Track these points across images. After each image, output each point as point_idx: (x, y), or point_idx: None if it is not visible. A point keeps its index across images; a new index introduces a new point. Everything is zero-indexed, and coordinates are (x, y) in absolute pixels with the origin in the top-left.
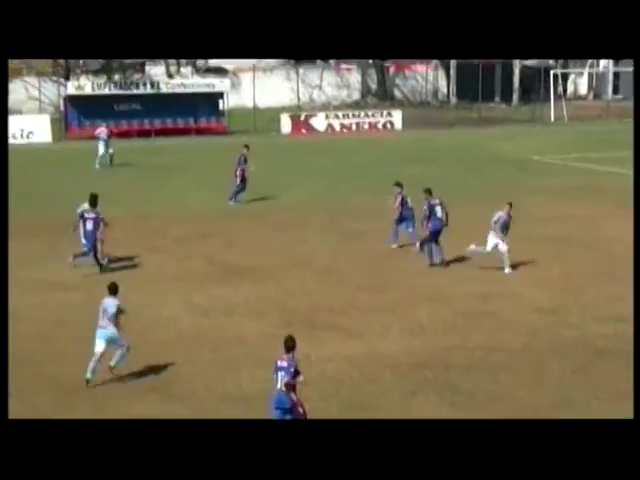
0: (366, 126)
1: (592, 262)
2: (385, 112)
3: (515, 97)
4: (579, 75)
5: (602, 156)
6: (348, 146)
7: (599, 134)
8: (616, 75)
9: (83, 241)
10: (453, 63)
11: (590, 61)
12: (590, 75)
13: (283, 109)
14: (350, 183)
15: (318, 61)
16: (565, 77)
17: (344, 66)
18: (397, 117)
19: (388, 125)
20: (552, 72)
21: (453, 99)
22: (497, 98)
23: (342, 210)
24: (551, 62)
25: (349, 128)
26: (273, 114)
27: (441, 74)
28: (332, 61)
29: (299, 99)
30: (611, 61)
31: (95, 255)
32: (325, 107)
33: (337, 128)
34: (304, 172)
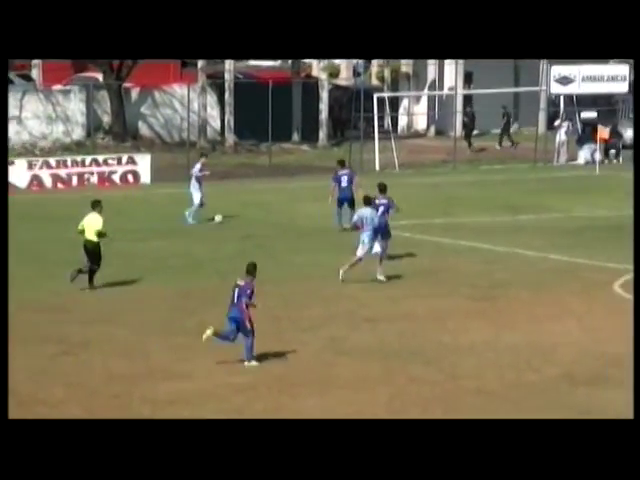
0: (94, 179)
1: (433, 387)
2: (125, 157)
3: (322, 134)
4: (415, 101)
5: (450, 223)
6: (64, 211)
7: (446, 190)
8: (468, 100)
9: None
10: (229, 82)
11: (430, 80)
12: (431, 100)
13: None
14: (59, 271)
15: (16, 80)
16: (395, 103)
17: (57, 87)
18: (144, 165)
19: (130, 177)
20: (376, 96)
21: (230, 137)
22: (296, 136)
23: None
24: (375, 81)
25: (68, 182)
26: None
27: (211, 99)
28: (37, 78)
29: None
30: (460, 80)
31: None
32: (29, 150)
33: (48, 182)
34: None
